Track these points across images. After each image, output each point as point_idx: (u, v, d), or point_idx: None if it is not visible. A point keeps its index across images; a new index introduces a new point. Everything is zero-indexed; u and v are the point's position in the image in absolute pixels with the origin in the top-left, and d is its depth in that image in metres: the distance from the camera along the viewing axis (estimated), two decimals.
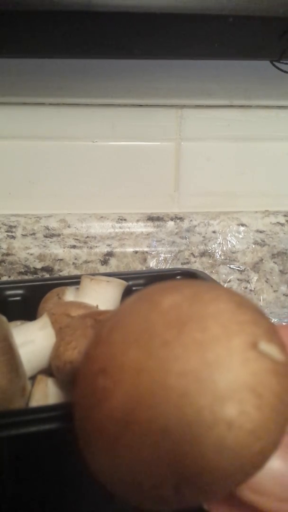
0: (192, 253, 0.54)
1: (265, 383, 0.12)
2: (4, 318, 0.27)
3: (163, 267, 0.53)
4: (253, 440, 0.12)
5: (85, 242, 0.52)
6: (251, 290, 0.54)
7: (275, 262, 0.55)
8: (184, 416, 0.12)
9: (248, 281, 0.54)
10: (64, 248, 0.51)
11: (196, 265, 0.54)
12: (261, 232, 0.55)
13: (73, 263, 0.52)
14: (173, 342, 0.13)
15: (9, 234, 0.51)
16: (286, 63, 0.46)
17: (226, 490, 0.12)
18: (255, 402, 0.12)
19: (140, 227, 0.53)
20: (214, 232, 0.54)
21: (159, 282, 0.16)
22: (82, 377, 0.15)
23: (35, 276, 0.51)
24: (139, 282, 0.39)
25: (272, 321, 0.49)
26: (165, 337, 0.13)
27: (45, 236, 0.52)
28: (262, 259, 0.54)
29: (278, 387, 0.12)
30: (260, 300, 0.54)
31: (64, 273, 0.51)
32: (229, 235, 0.54)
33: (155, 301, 0.14)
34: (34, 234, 0.51)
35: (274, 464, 0.13)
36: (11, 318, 0.31)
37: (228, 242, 0.54)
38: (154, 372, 0.12)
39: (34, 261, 0.51)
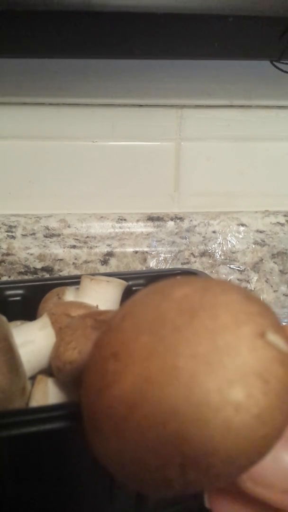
0: (192, 253, 0.54)
1: (271, 370, 0.12)
2: (4, 318, 0.27)
3: (163, 267, 0.53)
4: (258, 424, 0.12)
5: (85, 242, 0.52)
6: (251, 290, 0.54)
7: (275, 262, 0.55)
8: (193, 397, 0.12)
9: (248, 281, 0.54)
10: (64, 248, 0.51)
11: (196, 265, 0.54)
12: (261, 232, 0.55)
13: (73, 263, 0.52)
14: (185, 328, 0.13)
15: (9, 234, 0.51)
16: (286, 63, 0.46)
17: (230, 475, 0.13)
18: (262, 387, 0.12)
19: (140, 227, 0.53)
20: (214, 232, 0.54)
21: (167, 279, 0.16)
22: (92, 363, 0.15)
23: (35, 276, 0.51)
24: (139, 282, 0.39)
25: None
26: (176, 323, 0.13)
27: (45, 236, 0.52)
28: (262, 259, 0.55)
29: (284, 376, 0.13)
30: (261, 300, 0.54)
31: (64, 273, 0.51)
32: (229, 235, 0.54)
33: (166, 292, 0.15)
34: (34, 234, 0.51)
35: (278, 455, 0.13)
36: (11, 318, 0.31)
37: (228, 242, 0.54)
38: (165, 354, 0.13)
39: (34, 261, 0.51)
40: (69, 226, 0.52)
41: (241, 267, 0.54)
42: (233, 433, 0.12)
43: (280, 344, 0.13)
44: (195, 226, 0.54)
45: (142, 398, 0.12)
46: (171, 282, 0.16)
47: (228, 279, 0.54)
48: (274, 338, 0.13)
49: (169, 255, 0.53)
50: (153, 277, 0.40)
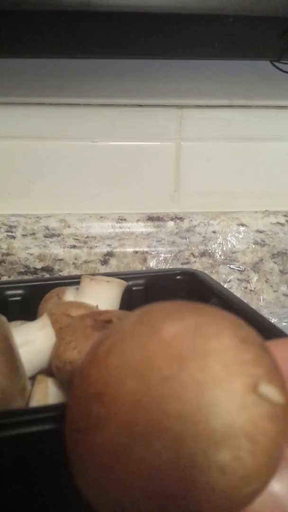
0: (192, 253, 0.54)
1: (262, 429, 0.12)
2: (4, 318, 0.27)
3: (163, 267, 0.53)
4: (244, 485, 0.12)
5: (85, 242, 0.52)
6: (251, 290, 0.54)
7: (275, 262, 0.55)
8: (178, 459, 0.12)
9: (248, 281, 0.54)
10: (64, 248, 0.51)
11: (196, 265, 0.54)
12: (261, 232, 0.55)
13: (73, 263, 0.52)
14: (172, 379, 0.12)
15: (9, 234, 0.51)
16: (286, 63, 0.46)
17: None
18: (250, 448, 0.12)
19: (140, 227, 0.53)
20: (214, 232, 0.54)
21: (160, 302, 0.15)
22: (76, 398, 0.14)
23: (35, 276, 0.51)
24: (139, 282, 0.39)
25: (272, 321, 0.49)
26: (164, 372, 0.13)
27: (45, 236, 0.52)
28: (262, 259, 0.54)
29: (274, 432, 0.12)
30: (260, 300, 0.54)
31: (64, 273, 0.51)
32: (229, 235, 0.54)
33: (156, 327, 0.14)
34: (34, 234, 0.51)
35: (270, 487, 0.13)
36: (11, 318, 0.31)
37: (228, 242, 0.54)
38: (151, 410, 0.12)
39: (34, 261, 0.51)
40: (69, 226, 0.52)
41: (241, 267, 0.54)
42: (218, 494, 0.12)
43: (273, 395, 0.13)
44: (195, 226, 0.54)
45: (125, 453, 0.12)
46: (162, 311, 0.15)
47: (228, 279, 0.54)
48: (267, 389, 0.13)
49: (169, 255, 0.53)
50: (153, 277, 0.40)
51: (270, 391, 0.13)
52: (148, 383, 0.13)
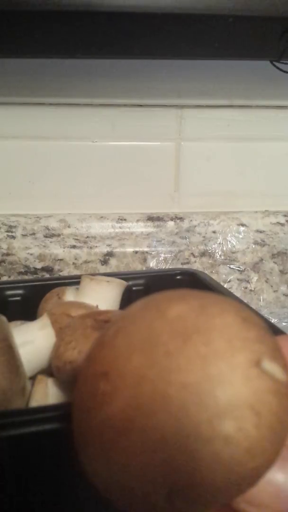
0: (192, 253, 0.54)
1: (265, 402, 0.12)
2: (4, 318, 0.27)
3: (163, 267, 0.53)
4: (248, 458, 0.12)
5: (85, 242, 0.52)
6: (251, 290, 0.54)
7: (275, 262, 0.55)
8: (182, 428, 0.12)
9: (248, 281, 0.54)
10: (64, 248, 0.51)
11: (196, 265, 0.54)
12: (261, 232, 0.55)
13: (73, 263, 0.52)
14: (177, 353, 0.13)
15: (9, 234, 0.51)
16: (286, 63, 0.46)
17: (218, 503, 0.13)
18: (254, 420, 0.12)
19: (140, 227, 0.53)
20: (214, 232, 0.54)
21: (165, 290, 0.16)
22: (83, 379, 0.15)
23: (35, 276, 0.51)
24: (139, 282, 0.39)
25: (272, 321, 0.49)
26: (169, 347, 0.13)
27: (45, 236, 0.52)
28: (262, 259, 0.55)
29: (278, 407, 0.12)
30: (260, 300, 0.54)
31: (64, 273, 0.51)
32: (229, 235, 0.54)
33: (161, 309, 0.14)
34: (34, 234, 0.51)
35: (273, 476, 0.13)
36: (11, 318, 0.31)
37: (228, 242, 0.54)
38: (156, 381, 0.12)
39: (34, 261, 0.51)
40: (69, 226, 0.52)
41: (241, 267, 0.54)
42: (222, 466, 0.12)
43: (276, 372, 0.13)
44: (195, 226, 0.54)
45: (131, 426, 0.12)
46: (167, 297, 0.15)
47: (228, 279, 0.54)
48: (270, 366, 0.13)
49: (169, 255, 0.53)
50: (153, 277, 0.40)
51: (273, 368, 0.13)
52: (154, 358, 0.13)
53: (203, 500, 0.12)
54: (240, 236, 0.54)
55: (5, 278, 0.50)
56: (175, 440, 0.12)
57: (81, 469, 0.14)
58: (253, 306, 0.50)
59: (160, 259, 0.53)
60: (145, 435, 0.12)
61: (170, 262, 0.53)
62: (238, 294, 0.53)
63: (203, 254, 0.54)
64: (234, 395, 0.12)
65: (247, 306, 0.34)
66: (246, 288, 0.54)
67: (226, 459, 0.12)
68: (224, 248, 0.54)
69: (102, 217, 0.53)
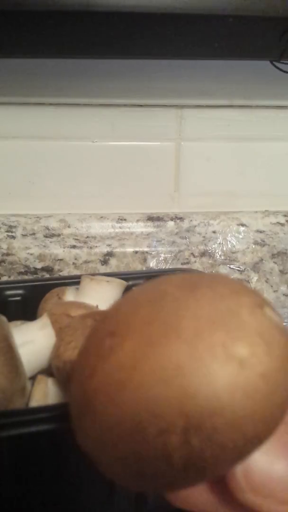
0: (192, 253, 0.54)
1: (273, 335, 0.12)
2: (4, 318, 0.27)
3: (163, 267, 0.53)
4: (263, 384, 0.12)
5: (85, 242, 0.52)
6: None
7: (275, 262, 0.55)
8: (197, 352, 0.12)
9: (248, 281, 0.54)
10: (64, 248, 0.51)
11: (196, 265, 0.54)
12: (261, 232, 0.55)
13: (73, 263, 0.52)
14: (186, 297, 0.13)
15: (9, 234, 0.51)
16: (286, 63, 0.46)
17: (235, 448, 0.12)
18: (265, 347, 0.12)
19: (140, 227, 0.53)
20: (214, 232, 0.54)
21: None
22: (87, 347, 0.14)
23: (35, 276, 0.51)
24: (139, 282, 0.39)
25: None
26: (176, 295, 0.13)
27: (45, 236, 0.52)
28: (262, 259, 0.54)
29: (284, 344, 0.13)
30: None
31: (64, 273, 0.51)
32: (229, 235, 0.54)
33: (164, 280, 0.15)
34: (34, 234, 0.51)
35: (278, 465, 0.13)
36: (11, 318, 0.31)
37: (228, 242, 0.54)
38: (166, 318, 0.13)
39: (34, 261, 0.51)
40: (69, 226, 0.52)
41: (241, 267, 0.54)
42: (238, 390, 0.11)
43: (277, 318, 0.13)
44: (195, 226, 0.54)
45: (143, 360, 0.12)
46: (168, 275, 0.16)
47: None
48: (270, 312, 0.13)
49: (169, 255, 0.53)
50: (153, 277, 0.40)
51: (274, 315, 0.13)
52: (161, 305, 0.13)
53: (220, 436, 0.12)
54: (240, 236, 0.54)
55: (5, 278, 0.50)
56: (190, 365, 0.12)
57: (82, 446, 0.13)
58: None
59: (160, 259, 0.53)
60: (160, 365, 0.12)
61: (170, 262, 0.53)
62: None
63: (203, 254, 0.54)
64: (244, 324, 0.12)
65: None
66: None
67: (243, 382, 0.12)
68: (224, 248, 0.54)
69: (102, 217, 0.53)
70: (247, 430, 0.12)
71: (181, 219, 0.54)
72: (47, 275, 0.51)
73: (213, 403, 0.11)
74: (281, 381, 0.12)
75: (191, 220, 0.54)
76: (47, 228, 0.52)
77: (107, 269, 0.52)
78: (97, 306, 0.33)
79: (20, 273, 0.51)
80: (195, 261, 0.54)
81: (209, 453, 0.12)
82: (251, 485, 0.13)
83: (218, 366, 0.12)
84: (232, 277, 0.54)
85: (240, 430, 0.12)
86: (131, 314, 0.13)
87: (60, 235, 0.52)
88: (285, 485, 0.13)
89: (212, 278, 0.14)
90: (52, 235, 0.52)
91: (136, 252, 0.53)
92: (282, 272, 0.55)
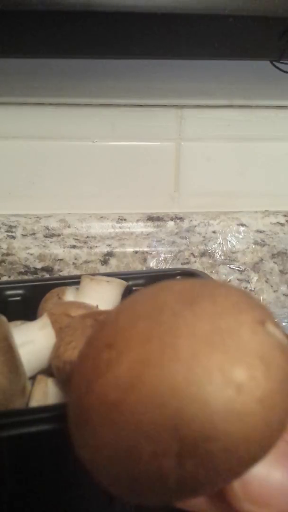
0: (192, 253, 0.54)
1: (273, 356, 0.12)
2: (4, 318, 0.27)
3: (163, 267, 0.53)
4: (260, 409, 0.11)
5: (85, 242, 0.52)
6: (251, 290, 0.54)
7: (275, 262, 0.55)
8: (193, 376, 0.11)
9: (248, 281, 0.54)
10: (64, 248, 0.51)
11: (196, 265, 0.54)
12: (261, 232, 0.55)
13: (73, 263, 0.52)
14: (184, 312, 0.13)
15: (9, 234, 0.51)
16: (286, 63, 0.46)
17: (229, 470, 0.12)
18: (264, 370, 0.12)
19: (140, 227, 0.53)
20: (214, 232, 0.54)
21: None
22: (84, 357, 0.14)
23: (35, 276, 0.51)
24: (139, 282, 0.39)
25: None
26: (175, 309, 0.13)
27: (45, 236, 0.52)
28: (262, 259, 0.54)
29: (285, 363, 0.12)
30: (260, 300, 0.54)
31: (64, 273, 0.51)
32: (229, 235, 0.54)
33: (165, 287, 0.15)
34: (34, 234, 0.51)
35: (276, 475, 0.13)
36: (11, 318, 0.31)
37: (228, 242, 0.54)
38: (164, 336, 0.12)
39: (34, 261, 0.51)
40: (69, 226, 0.52)
41: (241, 267, 0.54)
42: (234, 415, 0.11)
43: (279, 335, 0.13)
44: (195, 226, 0.54)
45: (139, 381, 0.12)
46: (168, 282, 0.15)
47: (228, 279, 0.54)
48: (272, 328, 0.13)
49: (169, 255, 0.53)
50: (153, 277, 0.40)
51: (276, 331, 0.13)
52: (160, 319, 0.13)
53: (215, 459, 0.11)
54: (240, 236, 0.54)
55: (5, 278, 0.50)
56: (186, 389, 0.11)
57: (79, 456, 0.13)
58: None
59: (160, 259, 0.53)
60: (155, 388, 0.12)
61: (170, 262, 0.53)
62: None
63: (203, 254, 0.54)
64: (244, 345, 0.12)
65: None
66: (246, 288, 0.54)
67: (239, 408, 0.11)
68: (224, 248, 0.54)
69: (102, 217, 0.53)
70: (242, 454, 0.12)
71: (181, 219, 0.54)
72: (47, 275, 0.51)
73: (208, 429, 0.11)
74: (279, 402, 0.12)
75: (191, 220, 0.54)
76: (47, 228, 0.52)
77: (107, 269, 0.52)
78: (97, 306, 0.33)
79: (20, 273, 0.51)
80: (195, 261, 0.54)
81: (204, 475, 0.12)
82: (248, 494, 0.13)
83: (214, 391, 0.11)
84: (232, 282, 0.54)
85: (235, 454, 0.12)
86: (129, 327, 0.13)
87: (60, 235, 0.52)
88: (282, 494, 0.13)
89: (213, 289, 0.14)
90: (52, 235, 0.52)
91: (136, 252, 0.53)
92: (282, 272, 0.55)
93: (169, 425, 0.11)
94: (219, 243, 0.54)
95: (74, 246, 0.52)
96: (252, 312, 0.13)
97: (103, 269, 0.52)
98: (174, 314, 0.13)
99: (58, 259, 0.51)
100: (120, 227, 0.53)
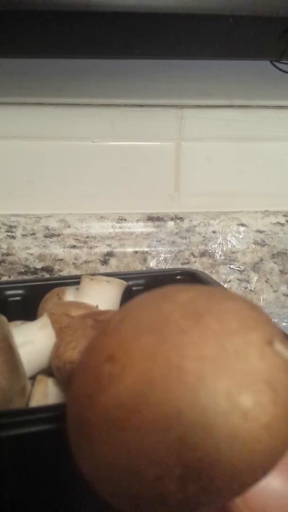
0: (192, 253, 0.54)
1: (280, 379, 0.12)
2: (4, 318, 0.27)
3: (163, 267, 0.53)
4: (266, 436, 0.11)
5: (85, 242, 0.52)
6: (251, 290, 0.54)
7: (275, 262, 0.55)
8: (199, 401, 0.11)
9: (248, 281, 0.54)
10: (64, 248, 0.51)
11: (196, 265, 0.54)
12: (261, 232, 0.55)
13: (73, 263, 0.52)
14: (190, 330, 0.12)
15: (9, 234, 0.51)
16: (286, 63, 0.46)
17: (231, 493, 0.12)
18: (271, 395, 0.11)
19: (140, 227, 0.53)
20: (214, 232, 0.54)
21: (167, 285, 0.16)
22: (84, 367, 0.14)
23: (35, 276, 0.51)
24: (139, 282, 0.39)
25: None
26: (181, 325, 0.13)
27: (45, 236, 0.52)
28: (262, 259, 0.54)
29: None
30: (260, 300, 0.54)
31: (64, 273, 0.51)
32: (229, 235, 0.54)
33: (169, 296, 0.14)
34: (34, 234, 0.51)
35: (275, 483, 0.13)
36: (11, 318, 0.31)
37: (228, 242, 0.54)
38: (169, 355, 0.12)
39: (34, 261, 0.51)
40: (69, 226, 0.52)
41: (241, 267, 0.54)
42: (240, 442, 0.11)
43: (286, 354, 0.13)
44: (195, 226, 0.54)
45: (143, 402, 0.12)
46: (173, 287, 0.15)
47: (228, 279, 0.54)
48: (281, 348, 0.13)
49: (169, 255, 0.53)
50: (153, 277, 0.40)
51: (283, 349, 0.13)
52: (165, 336, 0.12)
53: (216, 485, 0.11)
54: (240, 236, 0.54)
55: (5, 278, 0.50)
56: (191, 414, 0.11)
57: (79, 470, 0.13)
58: None
59: (160, 259, 0.53)
60: (159, 410, 0.11)
61: (170, 262, 0.53)
62: None
63: (203, 254, 0.54)
64: (252, 369, 0.12)
65: None
66: (246, 288, 0.54)
67: (244, 434, 0.11)
68: (224, 248, 0.54)
69: (102, 217, 0.53)
70: (245, 478, 0.12)
71: (181, 219, 0.54)
72: (47, 275, 0.51)
73: (212, 455, 0.11)
74: (285, 427, 0.12)
75: (191, 220, 0.54)
76: (47, 228, 0.52)
77: (107, 269, 0.52)
78: (97, 306, 0.33)
79: (20, 273, 0.51)
80: (195, 261, 0.54)
81: (205, 498, 0.12)
82: (247, 502, 0.13)
83: (220, 418, 0.11)
84: (232, 282, 0.54)
85: (238, 479, 0.11)
86: (132, 340, 0.13)
87: (60, 235, 0.52)
88: (281, 503, 0.13)
89: (220, 302, 0.13)
90: (52, 235, 0.52)
91: (136, 252, 0.53)
92: (282, 272, 0.55)
93: (173, 449, 0.11)
94: (219, 243, 0.54)
95: (74, 246, 0.52)
96: (260, 330, 0.13)
97: (103, 269, 0.52)
98: (180, 331, 0.12)
99: (58, 259, 0.51)
100: (120, 227, 0.53)
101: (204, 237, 0.54)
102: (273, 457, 0.12)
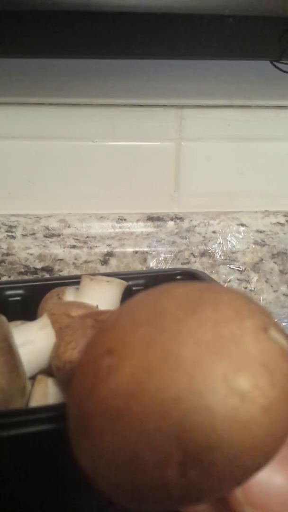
0: (192, 253, 0.54)
1: (276, 363, 0.12)
2: (4, 318, 0.27)
3: (163, 267, 0.53)
4: (265, 418, 0.11)
5: (85, 242, 0.52)
6: (251, 290, 0.54)
7: (275, 262, 0.55)
8: (196, 385, 0.11)
9: (248, 281, 0.54)
10: (64, 248, 0.51)
11: (196, 265, 0.54)
12: (261, 232, 0.55)
13: (73, 263, 0.52)
14: (187, 319, 0.13)
15: (9, 234, 0.51)
16: (286, 63, 0.46)
17: (232, 478, 0.12)
18: (268, 378, 0.12)
19: (140, 227, 0.53)
20: (214, 232, 0.54)
21: (163, 283, 0.16)
22: (84, 363, 0.14)
23: (35, 276, 0.51)
24: (139, 282, 0.39)
25: None
26: (177, 315, 0.13)
27: (45, 236, 0.52)
28: (262, 259, 0.54)
29: None
30: (260, 300, 0.54)
31: (64, 273, 0.51)
32: (229, 235, 0.54)
33: (166, 291, 0.14)
34: (34, 234, 0.51)
35: (277, 479, 0.13)
36: (11, 318, 0.31)
37: (228, 242, 0.54)
38: (166, 343, 0.12)
39: (34, 261, 0.51)
40: (69, 226, 0.52)
41: (241, 267, 0.54)
42: (239, 424, 0.11)
43: (282, 341, 0.13)
44: (195, 226, 0.54)
45: (141, 389, 0.12)
46: (171, 284, 0.15)
47: (228, 279, 0.54)
48: (276, 335, 0.13)
49: (169, 255, 0.53)
50: (153, 277, 0.40)
51: (279, 337, 0.13)
52: (162, 326, 0.13)
53: (217, 469, 0.11)
54: (240, 236, 0.54)
55: (5, 278, 0.50)
56: (189, 398, 0.11)
57: (79, 467, 0.13)
58: None
59: (160, 259, 0.53)
60: (157, 397, 0.11)
61: (170, 262, 0.53)
62: None
63: (203, 254, 0.54)
64: (247, 352, 0.12)
65: None
66: (246, 288, 0.54)
67: (242, 416, 0.11)
68: (224, 248, 0.54)
69: (102, 217, 0.53)
70: (246, 462, 0.12)
71: (181, 219, 0.54)
72: (47, 275, 0.51)
73: (211, 438, 0.11)
74: (283, 410, 0.12)
75: (191, 220, 0.54)
76: (47, 228, 0.52)
77: (107, 269, 0.52)
78: (97, 306, 0.33)
79: (20, 273, 0.51)
80: (195, 261, 0.54)
81: (207, 484, 0.12)
82: (249, 499, 0.13)
83: (218, 400, 0.11)
84: (232, 282, 0.54)
85: (239, 463, 0.11)
86: (130, 332, 0.13)
87: (60, 235, 0.52)
88: (283, 499, 0.13)
89: (215, 295, 0.14)
90: (52, 235, 0.52)
91: (136, 252, 0.53)
92: (282, 272, 0.55)
93: (172, 435, 0.11)
94: (219, 243, 0.54)
95: (74, 246, 0.52)
96: (255, 318, 0.13)
97: (103, 269, 0.52)
98: (176, 321, 0.13)
99: (58, 259, 0.51)
100: (120, 227, 0.53)
101: (204, 237, 0.54)
102: (273, 440, 0.12)
